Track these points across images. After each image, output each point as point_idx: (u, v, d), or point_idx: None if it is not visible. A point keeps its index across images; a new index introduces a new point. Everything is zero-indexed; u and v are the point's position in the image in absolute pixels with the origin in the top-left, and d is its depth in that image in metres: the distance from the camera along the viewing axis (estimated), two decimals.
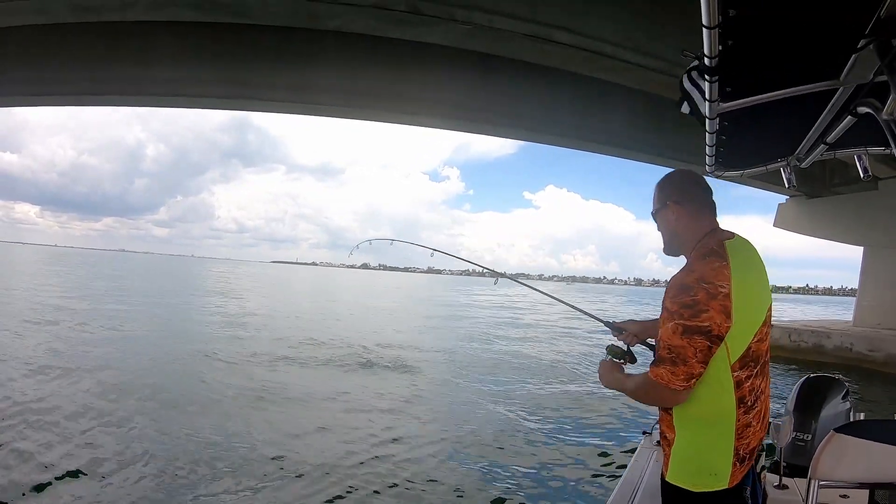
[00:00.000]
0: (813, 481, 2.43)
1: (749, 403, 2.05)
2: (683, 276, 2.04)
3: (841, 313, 30.35)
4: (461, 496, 6.16)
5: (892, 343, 15.79)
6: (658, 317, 2.16)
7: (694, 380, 1.98)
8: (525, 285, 3.97)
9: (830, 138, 2.52)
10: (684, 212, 2.21)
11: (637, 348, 2.65)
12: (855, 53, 1.90)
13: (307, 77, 11.02)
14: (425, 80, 10.97)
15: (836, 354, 16.37)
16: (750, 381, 2.03)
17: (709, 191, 2.27)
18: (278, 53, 10.42)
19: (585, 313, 3.25)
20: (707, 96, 2.15)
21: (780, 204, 21.03)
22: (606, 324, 2.89)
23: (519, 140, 14.65)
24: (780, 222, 20.85)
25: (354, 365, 13.94)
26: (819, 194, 19.43)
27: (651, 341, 2.56)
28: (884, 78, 1.81)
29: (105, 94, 11.54)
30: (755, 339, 2.03)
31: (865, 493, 2.76)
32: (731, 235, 2.16)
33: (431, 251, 4.29)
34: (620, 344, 2.67)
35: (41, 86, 10.83)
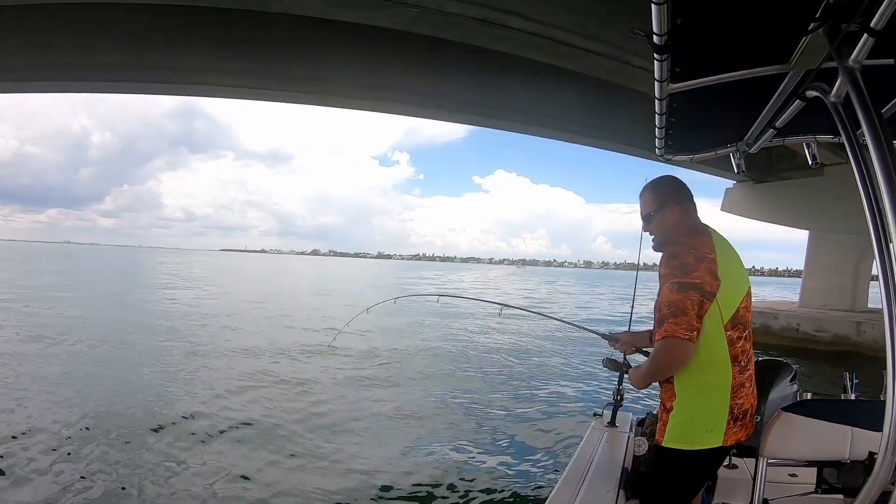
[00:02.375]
0: (762, 459, 2.50)
1: (742, 364, 2.28)
2: (674, 247, 2.34)
3: (787, 294, 31.27)
4: (414, 482, 6.04)
5: (837, 324, 16.28)
6: (645, 329, 2.56)
7: (695, 332, 2.18)
8: (531, 312, 4.65)
9: (779, 123, 2.55)
10: (682, 211, 2.46)
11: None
12: (805, 37, 1.95)
13: (255, 62, 10.73)
14: (373, 64, 10.78)
15: (784, 335, 16.75)
16: (741, 343, 2.27)
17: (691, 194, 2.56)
18: (225, 38, 10.08)
19: (581, 328, 3.51)
20: (656, 76, 2.18)
21: (727, 189, 21.35)
22: (602, 335, 3.07)
23: (470, 125, 14.54)
24: (727, 206, 21.16)
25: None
26: (765, 179, 19.80)
27: (646, 349, 2.78)
28: (833, 64, 1.81)
29: (44, 80, 10.96)
30: (742, 305, 2.29)
31: (814, 471, 2.75)
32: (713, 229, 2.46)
33: (500, 307, 4.53)
34: (616, 355, 2.89)
35: None
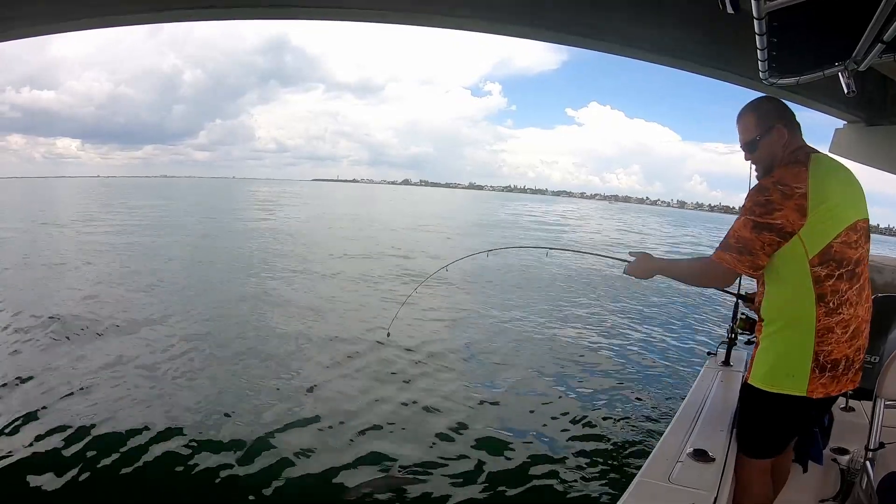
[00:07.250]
0: (879, 400, 2.40)
1: (831, 305, 2.09)
2: (764, 179, 2.19)
3: (888, 251, 29.33)
4: (528, 417, 6.09)
5: None
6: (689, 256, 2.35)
7: (760, 270, 2.18)
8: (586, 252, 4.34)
9: (887, 36, 2.34)
10: (788, 133, 2.28)
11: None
12: None
13: None
14: None
15: (886, 291, 15.59)
16: (832, 282, 2.09)
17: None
18: None
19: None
20: None
21: (836, 129, 19.93)
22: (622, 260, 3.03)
23: (566, 46, 13.99)
24: (835, 148, 19.69)
25: None
26: (879, 122, 18.31)
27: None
28: None
29: (131, 13, 11.03)
30: (838, 240, 2.09)
31: None
32: (818, 152, 2.26)
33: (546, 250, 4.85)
34: None
35: None
